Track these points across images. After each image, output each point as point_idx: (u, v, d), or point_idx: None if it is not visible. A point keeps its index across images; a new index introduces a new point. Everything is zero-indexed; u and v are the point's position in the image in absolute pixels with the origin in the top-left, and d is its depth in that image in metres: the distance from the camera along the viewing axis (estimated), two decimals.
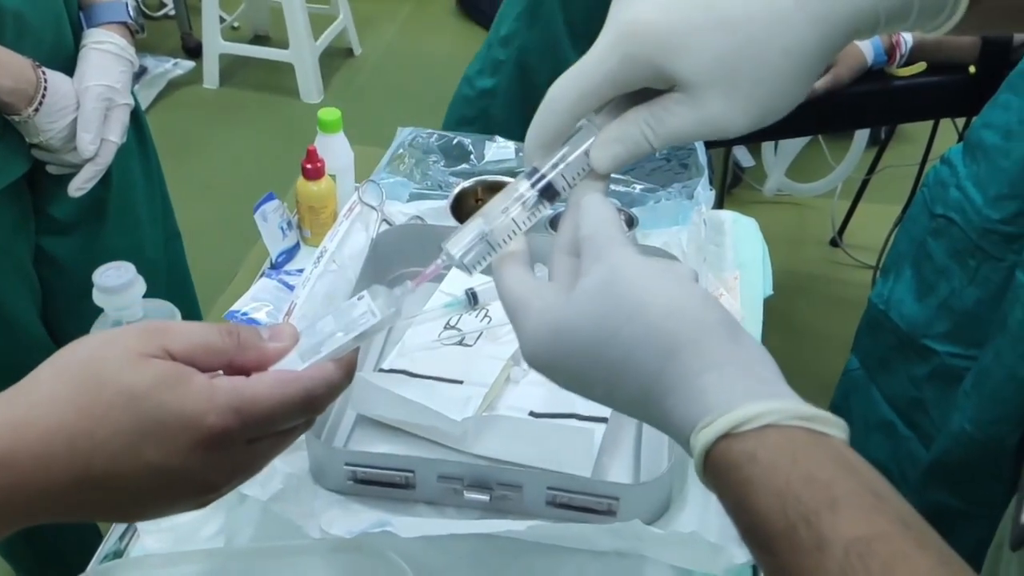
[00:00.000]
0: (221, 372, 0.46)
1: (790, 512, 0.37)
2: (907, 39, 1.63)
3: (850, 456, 0.39)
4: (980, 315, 1.24)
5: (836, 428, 0.40)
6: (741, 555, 0.76)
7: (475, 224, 0.49)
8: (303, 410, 0.47)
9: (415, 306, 1.07)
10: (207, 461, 0.44)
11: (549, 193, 0.49)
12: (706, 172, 1.17)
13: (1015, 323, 1.14)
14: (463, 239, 0.49)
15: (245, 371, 0.47)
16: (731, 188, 2.71)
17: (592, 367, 0.44)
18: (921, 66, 1.66)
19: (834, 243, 2.65)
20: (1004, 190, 1.18)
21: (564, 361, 0.45)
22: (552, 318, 0.45)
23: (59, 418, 0.42)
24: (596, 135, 0.48)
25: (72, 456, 0.42)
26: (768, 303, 2.57)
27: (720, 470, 0.40)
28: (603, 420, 0.90)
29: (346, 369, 0.48)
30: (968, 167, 1.27)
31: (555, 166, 0.49)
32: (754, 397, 0.40)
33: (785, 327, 2.38)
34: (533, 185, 0.49)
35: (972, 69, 1.65)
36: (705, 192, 1.13)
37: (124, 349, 0.44)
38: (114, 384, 0.42)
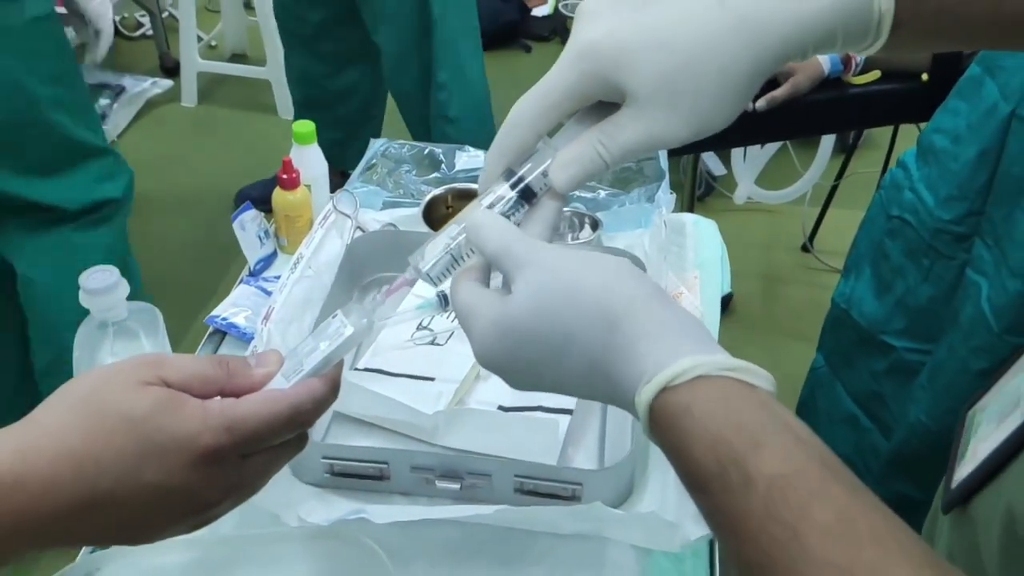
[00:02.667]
0: (215, 399, 0.50)
1: (721, 456, 0.41)
2: None
3: (772, 403, 0.43)
4: (934, 311, 1.28)
5: (762, 379, 0.44)
6: (696, 531, 0.80)
7: (440, 239, 0.53)
8: (291, 424, 0.50)
9: (388, 309, 1.11)
10: (204, 478, 0.48)
11: (527, 195, 0.53)
12: (666, 176, 1.22)
13: (966, 319, 1.19)
14: (429, 253, 0.53)
15: (236, 397, 0.50)
16: (703, 197, 2.77)
17: (539, 354, 0.48)
18: (876, 74, 1.73)
19: (805, 248, 2.70)
20: (954, 192, 1.23)
21: (513, 355, 0.48)
22: (497, 317, 0.48)
23: (66, 445, 0.45)
24: (553, 156, 0.52)
25: (78, 480, 0.45)
26: (743, 306, 2.60)
27: (661, 424, 0.44)
28: (568, 412, 0.94)
29: (330, 384, 0.52)
30: (921, 170, 1.32)
31: (531, 172, 0.52)
32: (686, 353, 0.44)
33: (758, 330, 2.44)
34: (513, 186, 0.53)
35: (925, 77, 1.71)
36: (665, 196, 1.17)
37: (124, 380, 0.47)
38: (115, 411, 0.46)
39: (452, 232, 0.53)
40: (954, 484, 0.58)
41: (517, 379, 0.51)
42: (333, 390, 0.52)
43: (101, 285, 0.77)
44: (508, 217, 0.53)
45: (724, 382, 0.43)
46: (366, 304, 0.54)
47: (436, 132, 2.32)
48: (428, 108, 2.30)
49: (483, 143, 0.53)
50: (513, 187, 0.53)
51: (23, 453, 0.45)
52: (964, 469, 0.56)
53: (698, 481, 0.42)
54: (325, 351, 0.52)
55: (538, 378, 0.49)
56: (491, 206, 0.53)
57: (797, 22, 0.48)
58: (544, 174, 0.52)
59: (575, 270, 0.47)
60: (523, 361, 0.49)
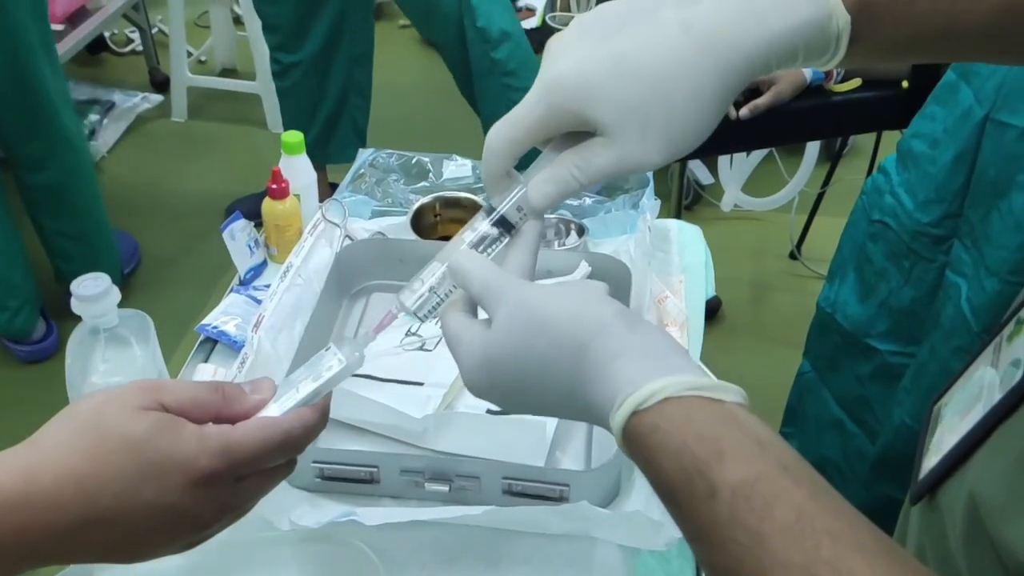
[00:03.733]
0: (210, 424, 0.52)
1: (687, 467, 0.43)
2: None
3: (739, 414, 0.45)
4: (916, 313, 1.30)
5: (730, 393, 0.46)
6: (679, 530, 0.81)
7: (425, 277, 0.56)
8: (283, 449, 0.52)
9: (379, 315, 1.12)
10: (199, 499, 0.49)
11: (506, 227, 0.56)
12: (651, 183, 1.24)
13: (947, 320, 1.21)
14: (416, 292, 0.57)
15: (231, 422, 0.52)
16: (691, 205, 2.79)
17: (522, 383, 0.50)
18: (857, 82, 1.75)
19: (793, 256, 2.73)
20: (932, 195, 1.25)
21: (497, 383, 0.51)
22: (479, 349, 0.51)
23: (68, 464, 0.47)
24: (523, 188, 0.55)
25: (79, 498, 0.47)
26: (731, 314, 2.61)
27: (633, 443, 0.46)
28: None
29: (321, 412, 0.54)
30: (900, 175, 1.34)
31: (506, 205, 0.56)
32: (654, 375, 0.46)
33: (747, 337, 2.46)
34: (492, 221, 0.56)
35: (905, 84, 1.74)
36: (650, 202, 1.19)
37: (123, 403, 0.49)
38: (116, 433, 0.48)
39: (435, 270, 0.56)
40: (921, 475, 0.59)
41: (506, 404, 0.54)
42: (323, 418, 0.54)
43: (92, 292, 0.78)
44: (491, 247, 0.56)
45: (690, 400, 0.45)
46: (358, 339, 0.57)
47: (485, 81, 2.34)
48: (469, 57, 2.33)
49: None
50: (492, 222, 0.56)
51: (27, 472, 0.46)
52: (930, 460, 0.58)
53: (668, 493, 0.45)
54: (318, 382, 0.54)
55: (524, 403, 0.52)
56: (472, 243, 0.56)
57: (760, 42, 0.50)
58: (518, 208, 0.56)
59: (545, 303, 0.50)
60: (508, 389, 0.52)
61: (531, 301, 0.50)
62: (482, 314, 0.55)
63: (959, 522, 0.51)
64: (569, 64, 0.51)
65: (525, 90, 0.54)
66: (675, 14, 0.51)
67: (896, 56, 0.55)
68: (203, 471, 0.49)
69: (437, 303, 0.56)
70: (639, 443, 0.45)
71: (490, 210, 0.56)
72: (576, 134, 0.54)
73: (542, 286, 0.52)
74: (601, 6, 0.54)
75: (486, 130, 0.54)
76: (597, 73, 0.50)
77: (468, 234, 0.56)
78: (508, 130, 0.54)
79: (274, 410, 0.53)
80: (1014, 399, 0.50)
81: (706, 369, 0.51)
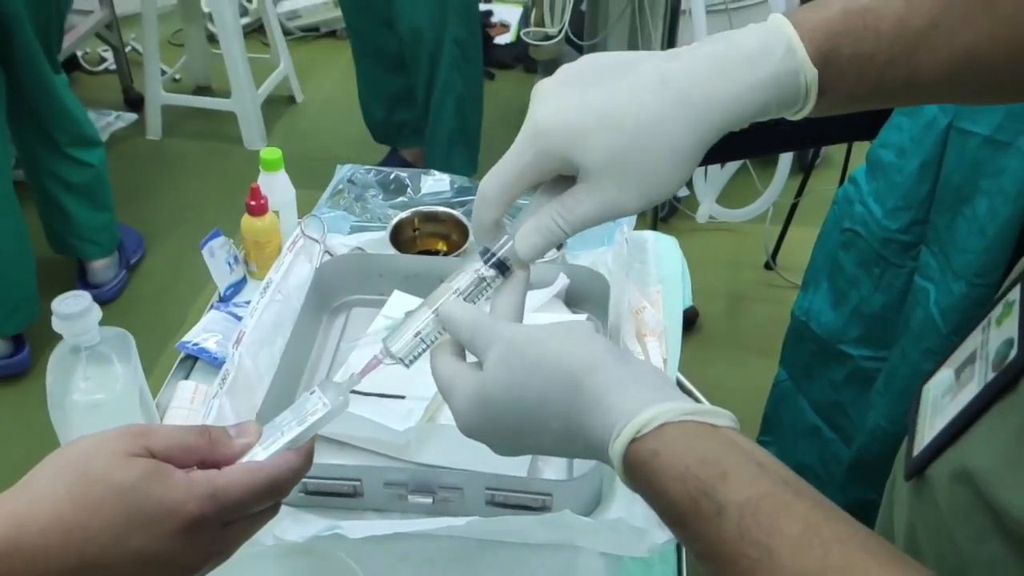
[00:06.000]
0: (195, 468, 0.52)
1: (692, 490, 0.44)
2: None
3: (735, 437, 0.46)
4: (887, 318, 1.33)
5: (722, 418, 0.47)
6: (662, 536, 0.83)
7: (411, 324, 0.58)
8: (270, 493, 0.53)
9: (359, 330, 1.13)
10: (187, 545, 0.50)
11: (498, 269, 0.58)
12: None
13: (916, 323, 1.24)
14: (401, 338, 0.58)
15: (217, 467, 0.53)
16: (667, 217, 2.82)
17: (517, 421, 0.52)
18: None
19: (768, 266, 2.76)
20: (899, 202, 1.29)
21: (492, 424, 0.53)
22: (472, 392, 0.53)
23: (56, 513, 0.47)
24: (512, 235, 0.57)
25: (67, 547, 0.47)
26: (708, 324, 2.62)
27: (634, 471, 0.47)
28: None
29: (306, 456, 0.55)
30: (870, 184, 1.37)
31: (501, 247, 0.58)
32: (648, 404, 0.47)
33: (724, 347, 2.48)
34: (487, 263, 0.58)
35: None
36: None
37: (111, 450, 0.50)
38: (104, 480, 0.48)
39: (420, 316, 0.58)
40: (915, 452, 0.61)
41: (500, 446, 0.55)
42: (308, 462, 0.56)
43: (74, 310, 0.78)
44: (480, 294, 0.58)
45: (686, 426, 0.46)
46: (343, 383, 0.58)
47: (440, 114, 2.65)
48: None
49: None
50: (479, 270, 0.58)
51: (17, 521, 0.47)
52: (924, 437, 0.59)
53: (675, 516, 0.46)
54: (303, 426, 0.55)
55: (520, 444, 0.54)
56: (460, 291, 0.58)
57: (736, 98, 0.52)
58: (505, 258, 0.57)
59: (536, 342, 0.52)
60: (504, 429, 0.53)
61: (522, 341, 0.52)
62: (471, 358, 0.56)
63: (957, 496, 0.53)
64: (554, 110, 0.54)
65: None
66: (654, 67, 0.53)
67: (863, 104, 0.58)
68: (191, 517, 0.49)
69: (423, 349, 0.58)
70: (640, 469, 0.46)
71: (483, 253, 0.58)
72: (563, 181, 0.56)
73: (530, 327, 0.54)
74: (585, 56, 0.56)
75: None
76: (582, 120, 0.53)
77: (456, 281, 0.58)
78: (501, 176, 0.56)
79: (260, 454, 0.54)
80: (1009, 377, 0.51)
81: (700, 396, 0.53)
